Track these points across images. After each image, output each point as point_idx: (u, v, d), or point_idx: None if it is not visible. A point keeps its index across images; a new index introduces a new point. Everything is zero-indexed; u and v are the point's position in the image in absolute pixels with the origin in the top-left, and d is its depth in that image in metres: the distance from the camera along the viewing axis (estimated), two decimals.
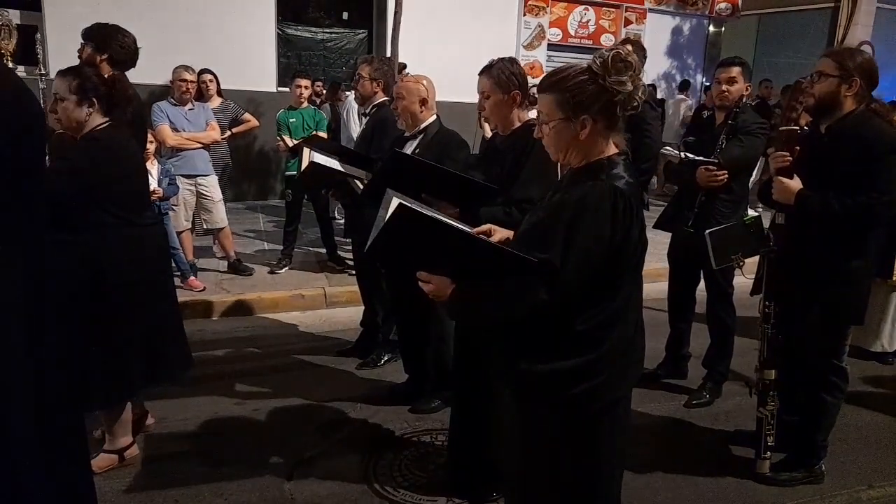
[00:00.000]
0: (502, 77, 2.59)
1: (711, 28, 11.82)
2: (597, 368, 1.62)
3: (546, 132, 1.67)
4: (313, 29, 9.00)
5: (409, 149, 3.17)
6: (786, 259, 2.71)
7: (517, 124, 2.64)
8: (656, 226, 3.65)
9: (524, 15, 10.08)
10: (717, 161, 3.34)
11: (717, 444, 3.22)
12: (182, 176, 5.00)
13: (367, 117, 3.90)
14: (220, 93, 5.84)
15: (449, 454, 2.84)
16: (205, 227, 5.46)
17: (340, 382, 3.75)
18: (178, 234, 5.03)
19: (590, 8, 10.62)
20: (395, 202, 1.64)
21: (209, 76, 5.66)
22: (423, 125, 3.21)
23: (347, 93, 7.06)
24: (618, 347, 1.65)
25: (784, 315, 2.76)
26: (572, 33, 10.61)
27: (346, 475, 2.83)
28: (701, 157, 3.41)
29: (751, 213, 3.29)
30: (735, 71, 3.38)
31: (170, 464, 2.89)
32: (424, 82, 3.21)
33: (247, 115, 5.89)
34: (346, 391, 3.62)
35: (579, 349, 1.62)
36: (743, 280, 3.15)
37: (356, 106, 6.42)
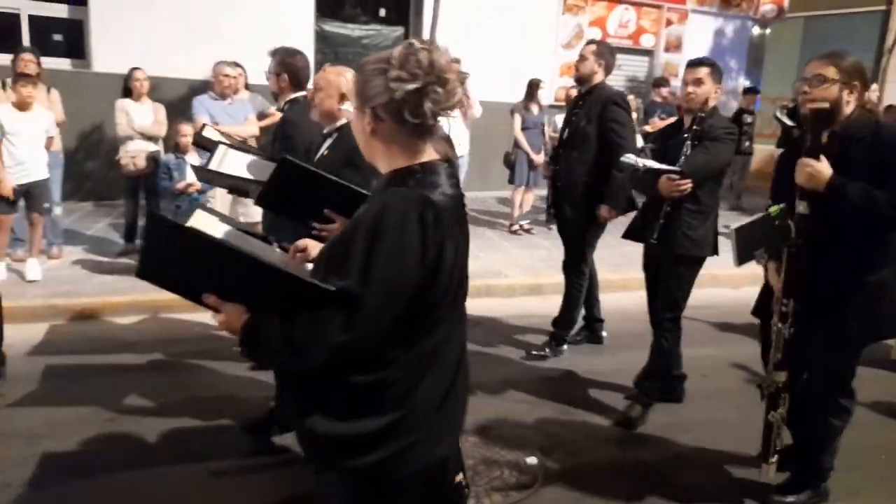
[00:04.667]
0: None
1: (755, 30, 11.52)
2: (406, 427, 1.34)
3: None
4: (350, 25, 9.02)
5: (322, 150, 2.81)
6: (809, 254, 2.51)
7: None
8: (624, 236, 3.53)
9: (563, 13, 9.95)
10: (679, 170, 3.14)
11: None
12: None
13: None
14: (247, 86, 5.89)
15: None
16: (241, 220, 5.50)
17: None
18: None
19: (630, 7, 10.44)
20: (195, 218, 1.48)
21: (238, 70, 5.71)
22: (338, 123, 2.74)
23: None
24: (434, 398, 1.38)
25: (803, 315, 2.55)
26: (612, 33, 10.43)
27: None
28: (662, 166, 3.20)
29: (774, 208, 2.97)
30: (702, 72, 3.20)
31: None
32: (348, 75, 2.73)
33: (272, 109, 5.93)
34: None
35: (386, 403, 1.33)
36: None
37: None
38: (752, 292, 5.79)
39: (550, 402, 3.57)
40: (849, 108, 2.45)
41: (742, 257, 2.82)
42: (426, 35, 7.51)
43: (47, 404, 3.30)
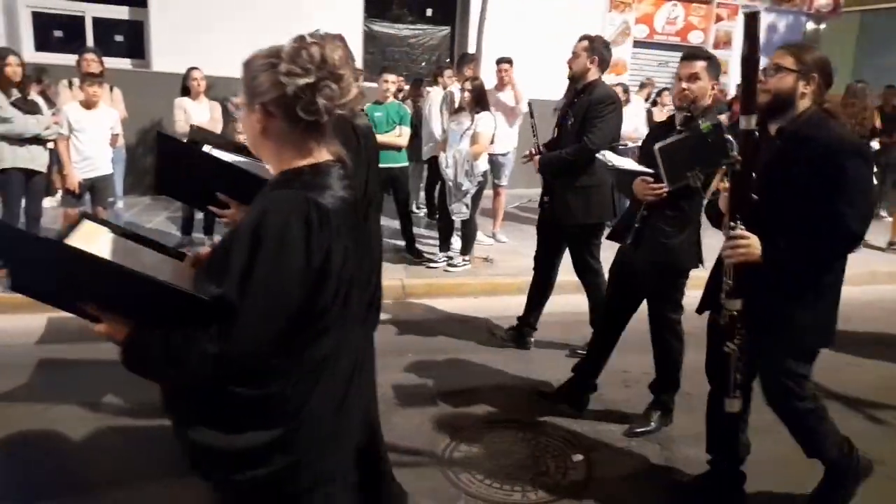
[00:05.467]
0: None
1: (810, 25, 11.21)
2: (295, 441, 1.30)
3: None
4: (398, 25, 9.14)
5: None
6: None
7: None
8: (608, 237, 3.35)
9: (610, 10, 9.87)
10: (652, 171, 2.89)
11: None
12: None
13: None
14: None
15: None
16: None
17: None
18: None
19: (679, 3, 10.29)
20: (81, 229, 1.43)
21: None
22: None
23: (429, 89, 7.13)
24: (324, 411, 1.33)
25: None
26: (659, 30, 10.31)
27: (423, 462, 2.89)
28: (635, 167, 3.02)
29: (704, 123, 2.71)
30: (698, 66, 2.89)
31: None
32: None
33: None
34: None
35: (273, 416, 1.29)
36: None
37: (438, 101, 6.50)
38: None
39: (602, 401, 3.59)
40: (804, 102, 2.28)
41: (672, 178, 2.63)
42: (473, 34, 7.56)
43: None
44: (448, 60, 8.46)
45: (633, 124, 7.41)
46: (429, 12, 9.37)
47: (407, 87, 8.00)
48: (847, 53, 13.11)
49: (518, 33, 8.87)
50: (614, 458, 3.07)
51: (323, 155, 1.35)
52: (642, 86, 8.68)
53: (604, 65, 3.90)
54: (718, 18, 10.49)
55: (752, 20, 2.09)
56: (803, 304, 2.30)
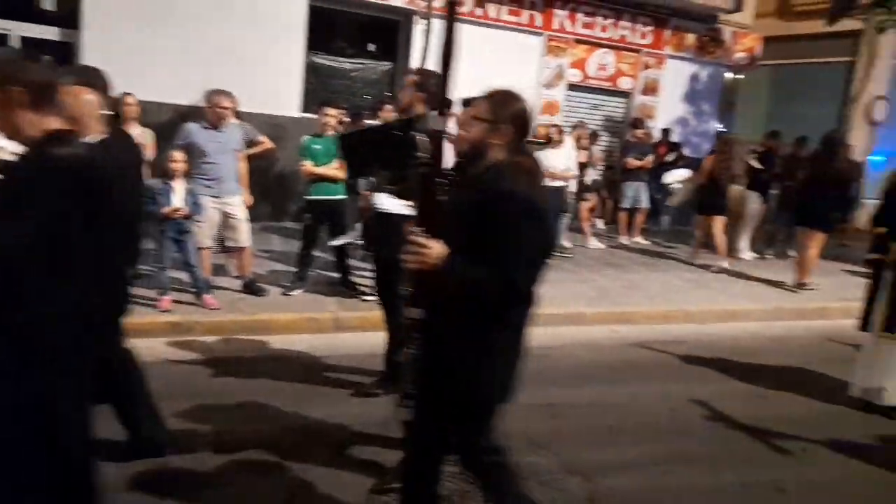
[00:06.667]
0: None
1: (728, 76, 12.00)
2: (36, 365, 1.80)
3: None
4: (340, 58, 9.25)
5: None
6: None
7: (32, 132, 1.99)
8: None
9: (546, 55, 10.30)
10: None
11: None
12: (210, 195, 5.17)
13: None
14: (237, 115, 6.04)
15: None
16: (228, 245, 5.63)
17: (348, 405, 3.82)
18: (200, 250, 5.15)
19: (610, 51, 10.84)
20: None
21: (232, 99, 5.85)
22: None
23: (368, 122, 7.24)
24: (64, 347, 1.83)
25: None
26: (591, 74, 10.81)
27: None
28: (401, 208, 2.96)
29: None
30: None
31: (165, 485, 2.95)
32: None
33: (262, 137, 6.10)
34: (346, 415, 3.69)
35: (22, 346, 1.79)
36: None
37: None
38: (719, 328, 6.08)
39: (526, 434, 3.67)
40: (496, 153, 2.20)
41: (352, 170, 2.59)
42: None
43: None
44: (389, 95, 8.60)
45: (565, 164, 7.71)
46: (371, 47, 9.53)
47: (347, 120, 8.09)
48: (761, 103, 14.08)
49: (459, 72, 9.11)
50: (542, 492, 3.13)
51: (54, 123, 1.87)
52: (574, 128, 9.05)
53: (431, 98, 3.35)
54: (646, 66, 11.10)
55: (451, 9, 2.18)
56: (469, 355, 2.17)
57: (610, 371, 4.81)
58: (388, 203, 3.27)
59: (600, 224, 10.27)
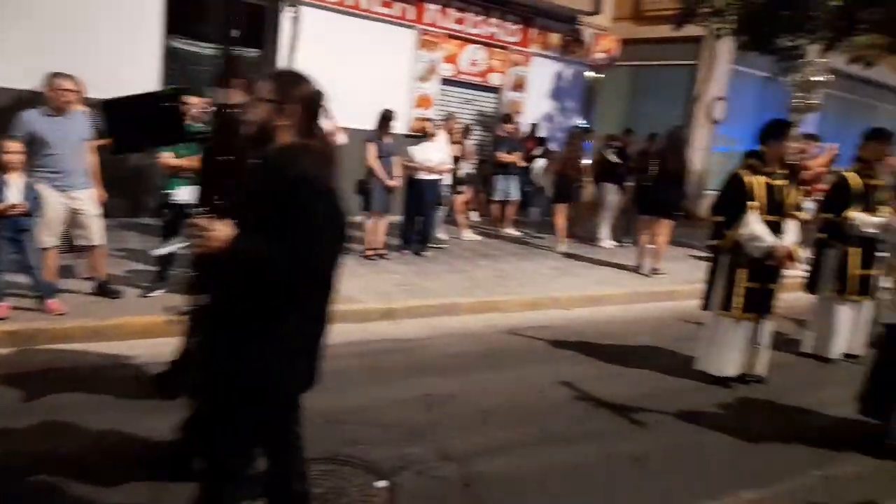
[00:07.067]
0: None
1: (589, 74, 12.73)
2: None
3: None
4: (202, 44, 8.74)
5: None
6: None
7: None
8: None
9: (419, 48, 10.37)
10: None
11: None
12: (55, 189, 4.70)
13: None
14: (84, 102, 5.53)
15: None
16: (78, 243, 5.15)
17: None
18: (43, 251, 4.68)
19: (480, 47, 11.11)
20: None
21: (76, 83, 5.34)
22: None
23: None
24: None
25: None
26: (463, 69, 11.03)
27: None
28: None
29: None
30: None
31: None
32: None
33: None
34: None
35: None
36: None
37: None
38: (583, 313, 6.46)
39: (403, 425, 3.71)
40: (285, 135, 2.13)
41: (118, 145, 2.31)
42: (282, 60, 7.50)
43: None
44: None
45: (439, 157, 7.82)
46: (236, 33, 9.09)
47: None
48: (622, 101, 15.08)
49: (330, 64, 8.94)
50: (419, 481, 3.18)
51: None
52: (444, 120, 9.19)
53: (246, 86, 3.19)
54: (515, 63, 11.50)
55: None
56: (252, 337, 2.05)
57: (483, 359, 4.97)
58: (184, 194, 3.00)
59: (475, 216, 10.54)
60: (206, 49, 8.79)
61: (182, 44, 8.55)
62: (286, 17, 8.88)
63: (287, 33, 8.65)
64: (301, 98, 2.15)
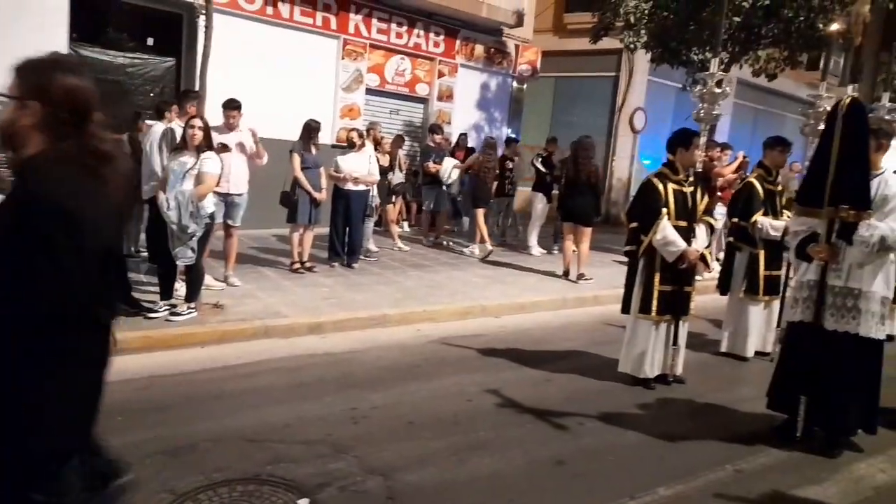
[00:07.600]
0: None
1: (515, 85, 12.99)
2: None
3: None
4: (112, 52, 8.38)
5: None
6: None
7: None
8: None
9: (343, 58, 10.29)
10: None
11: None
12: None
13: None
14: None
15: None
16: None
17: None
18: None
19: (406, 58, 11.14)
20: None
21: None
22: None
23: (150, 122, 6.66)
24: None
25: None
26: (389, 80, 11.03)
27: None
28: None
29: None
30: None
31: None
32: None
33: None
34: None
35: None
36: None
37: (158, 137, 6.09)
38: (513, 320, 6.53)
39: (327, 441, 3.63)
40: (36, 141, 1.65)
41: None
42: (199, 69, 7.27)
43: None
44: (174, 95, 7.99)
45: (366, 167, 7.76)
46: (150, 41, 8.78)
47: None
48: (546, 111, 15.46)
49: (250, 73, 8.76)
50: (342, 497, 3.11)
51: None
52: (368, 130, 9.14)
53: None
54: (441, 74, 11.60)
55: None
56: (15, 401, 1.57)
57: (412, 369, 4.93)
58: None
59: (405, 227, 10.51)
60: (118, 58, 8.44)
61: (90, 51, 8.18)
62: (201, 24, 8.66)
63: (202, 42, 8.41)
64: (49, 91, 1.65)
